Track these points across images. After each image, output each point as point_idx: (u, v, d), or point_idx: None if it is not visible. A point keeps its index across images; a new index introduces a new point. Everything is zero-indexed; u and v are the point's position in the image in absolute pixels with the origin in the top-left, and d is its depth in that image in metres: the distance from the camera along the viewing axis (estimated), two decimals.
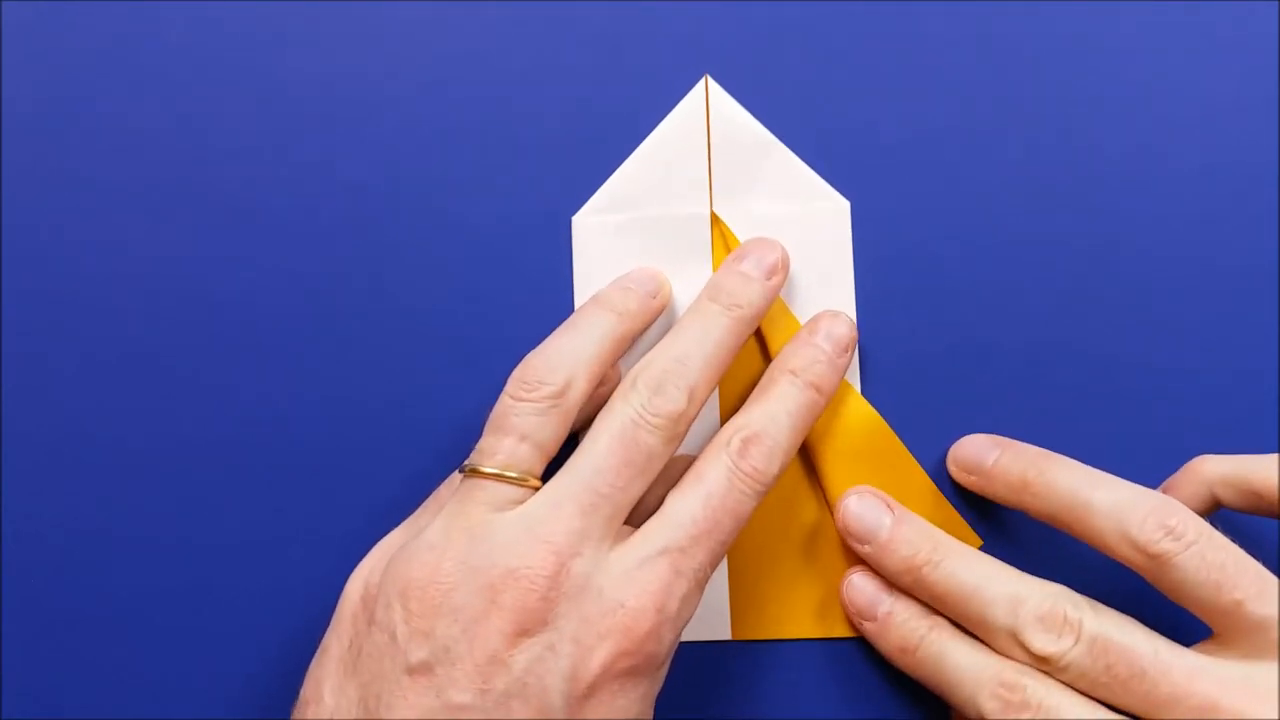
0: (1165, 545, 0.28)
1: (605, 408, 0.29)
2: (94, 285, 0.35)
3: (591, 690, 0.26)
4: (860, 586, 0.32)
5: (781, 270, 0.32)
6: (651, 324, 0.33)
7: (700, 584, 0.28)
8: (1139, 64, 0.34)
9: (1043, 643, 0.28)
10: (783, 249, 0.33)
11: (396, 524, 0.31)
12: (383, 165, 0.35)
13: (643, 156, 0.34)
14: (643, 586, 0.27)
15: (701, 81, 0.35)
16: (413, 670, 0.26)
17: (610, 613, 0.27)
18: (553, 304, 0.34)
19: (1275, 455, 0.30)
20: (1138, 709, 0.28)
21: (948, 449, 0.33)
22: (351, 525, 0.33)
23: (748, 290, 0.31)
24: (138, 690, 0.33)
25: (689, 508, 0.28)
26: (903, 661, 0.31)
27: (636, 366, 0.29)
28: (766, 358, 0.33)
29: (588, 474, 0.28)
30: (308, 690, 0.28)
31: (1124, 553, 0.28)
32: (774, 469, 0.29)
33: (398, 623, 0.27)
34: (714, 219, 0.34)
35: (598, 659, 0.26)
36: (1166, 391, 0.33)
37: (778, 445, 0.29)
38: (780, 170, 0.34)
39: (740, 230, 0.34)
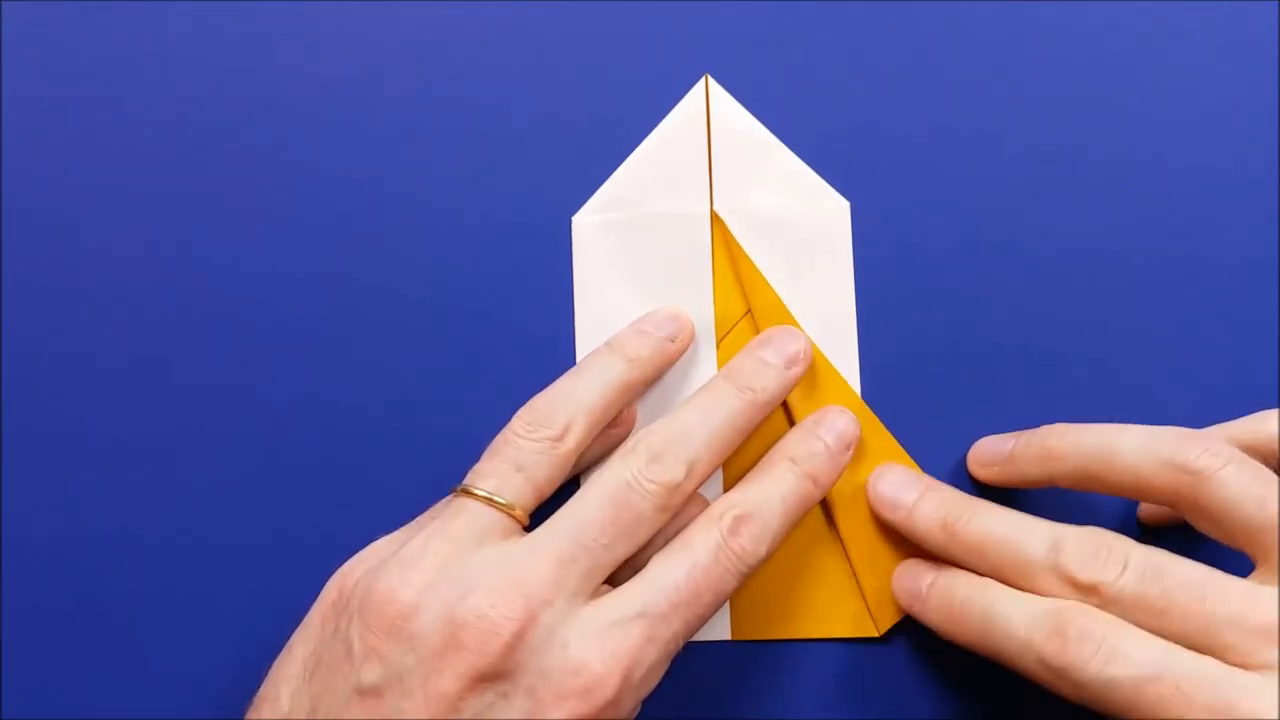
0: (1206, 460, 0.27)
1: (604, 464, 0.29)
2: (94, 285, 0.35)
3: None
4: (906, 568, 0.32)
5: (802, 361, 0.32)
6: (668, 368, 0.33)
7: (668, 656, 0.27)
8: (1139, 64, 0.34)
9: (1091, 572, 0.27)
10: (806, 340, 0.32)
11: (387, 523, 0.31)
12: (382, 165, 0.35)
13: (643, 156, 0.34)
14: (612, 650, 0.26)
15: (701, 81, 0.35)
16: (364, 692, 0.26)
17: (573, 673, 0.26)
18: (553, 304, 0.34)
19: (1256, 414, 0.30)
20: (1194, 635, 0.26)
21: (947, 448, 0.33)
22: (344, 524, 0.33)
23: (763, 376, 0.31)
24: (138, 690, 0.33)
25: (672, 574, 0.27)
26: (950, 631, 0.30)
27: (641, 431, 0.29)
28: None
29: (572, 525, 0.28)
30: (266, 689, 0.28)
31: (1163, 478, 0.28)
32: (761, 551, 0.29)
33: (355, 638, 0.26)
34: (714, 219, 0.34)
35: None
36: (1167, 392, 0.33)
37: (768, 528, 0.29)
38: (780, 170, 0.34)
39: (740, 230, 0.34)
